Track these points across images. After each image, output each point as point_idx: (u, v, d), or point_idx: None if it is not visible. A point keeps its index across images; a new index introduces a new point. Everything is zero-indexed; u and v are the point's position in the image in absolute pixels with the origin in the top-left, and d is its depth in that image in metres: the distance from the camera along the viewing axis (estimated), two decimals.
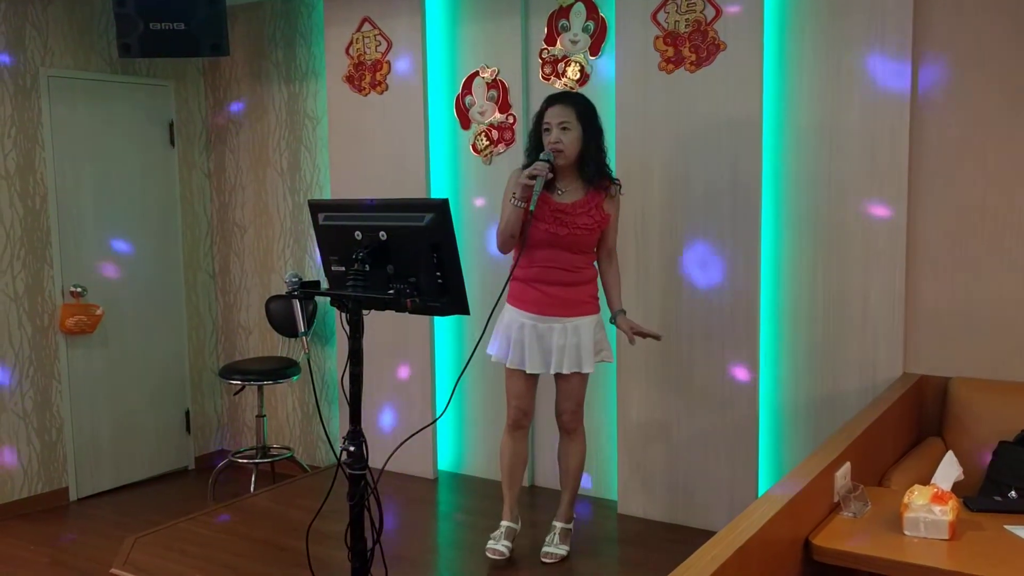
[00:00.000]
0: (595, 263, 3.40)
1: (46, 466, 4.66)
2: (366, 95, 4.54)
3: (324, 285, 2.76)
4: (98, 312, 4.76)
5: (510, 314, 3.37)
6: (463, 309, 2.59)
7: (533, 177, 3.14)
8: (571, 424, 3.46)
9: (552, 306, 3.30)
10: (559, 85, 4.06)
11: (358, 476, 2.63)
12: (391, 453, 2.85)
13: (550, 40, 4.09)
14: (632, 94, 3.80)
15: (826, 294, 3.59)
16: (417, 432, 3.02)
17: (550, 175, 3.19)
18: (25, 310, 4.56)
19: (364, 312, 2.63)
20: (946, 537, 2.24)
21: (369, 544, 2.65)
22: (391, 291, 2.55)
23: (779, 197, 3.66)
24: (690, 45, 3.64)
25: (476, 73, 4.29)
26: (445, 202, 2.51)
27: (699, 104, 3.66)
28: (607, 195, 3.31)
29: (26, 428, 4.57)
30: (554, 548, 3.44)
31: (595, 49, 3.99)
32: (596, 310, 3.38)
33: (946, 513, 2.23)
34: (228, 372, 4.81)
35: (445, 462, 4.59)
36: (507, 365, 3.37)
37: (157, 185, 5.16)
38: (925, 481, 2.40)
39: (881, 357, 3.48)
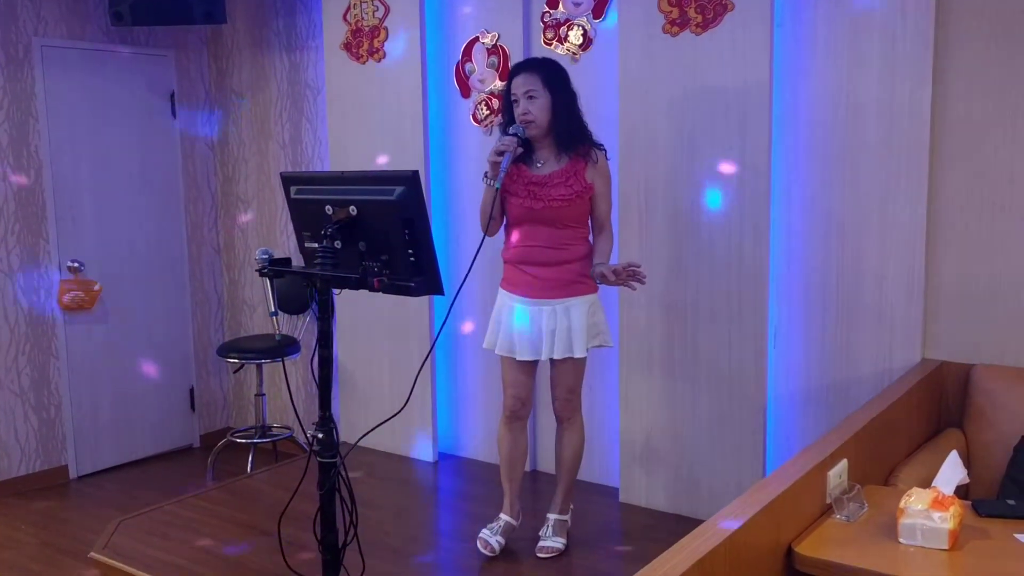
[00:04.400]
0: (589, 239, 3.20)
1: (44, 444, 4.59)
2: (364, 63, 4.35)
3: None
4: (96, 288, 4.67)
5: (501, 298, 3.23)
6: (437, 289, 2.43)
7: (501, 153, 2.98)
8: (564, 412, 3.28)
9: (541, 288, 3.12)
10: (561, 51, 3.83)
11: (328, 464, 2.50)
12: (362, 436, 2.74)
13: (552, 3, 3.86)
14: (636, 59, 3.56)
15: (839, 272, 3.34)
16: (384, 422, 2.75)
17: (519, 150, 3.02)
18: (20, 286, 4.48)
19: (336, 291, 2.51)
20: (946, 547, 2.01)
21: (342, 535, 2.53)
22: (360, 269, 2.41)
23: (789, 168, 3.41)
24: (696, 5, 3.39)
25: (476, 39, 4.08)
26: (415, 174, 2.35)
27: (706, 69, 3.41)
28: (589, 162, 3.10)
29: (23, 405, 4.51)
30: (550, 541, 3.27)
31: (599, 11, 3.75)
32: (591, 290, 3.18)
33: (946, 520, 2.00)
34: (226, 350, 4.71)
35: (446, 444, 4.44)
36: (496, 352, 3.22)
37: (159, 157, 5.04)
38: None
39: (898, 341, 3.24)
